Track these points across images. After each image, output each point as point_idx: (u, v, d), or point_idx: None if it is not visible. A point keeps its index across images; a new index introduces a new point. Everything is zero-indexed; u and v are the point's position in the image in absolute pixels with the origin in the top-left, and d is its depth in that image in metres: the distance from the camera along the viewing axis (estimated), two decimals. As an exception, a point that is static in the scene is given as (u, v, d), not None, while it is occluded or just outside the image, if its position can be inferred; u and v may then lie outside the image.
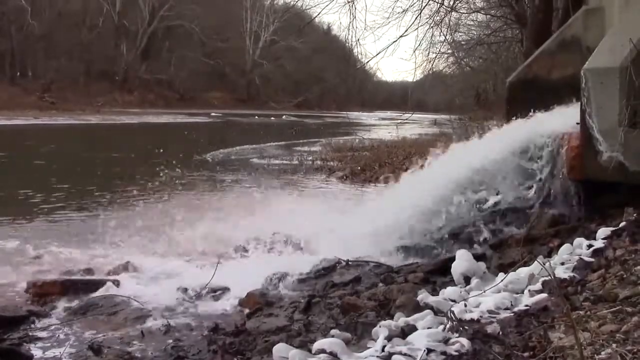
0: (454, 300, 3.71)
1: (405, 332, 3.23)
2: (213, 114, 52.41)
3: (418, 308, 3.72)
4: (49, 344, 4.23)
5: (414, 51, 15.03)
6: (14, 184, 12.25)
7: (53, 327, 4.55)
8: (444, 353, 2.85)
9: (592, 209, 5.49)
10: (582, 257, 4.13)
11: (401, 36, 12.07)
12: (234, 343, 3.88)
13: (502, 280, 3.79)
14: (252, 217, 7.69)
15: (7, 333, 4.35)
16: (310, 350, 3.13)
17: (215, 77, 67.21)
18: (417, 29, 13.59)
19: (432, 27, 14.33)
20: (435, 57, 19.22)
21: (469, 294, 3.87)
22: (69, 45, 52.37)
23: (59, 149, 20.28)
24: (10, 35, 48.11)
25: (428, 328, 3.22)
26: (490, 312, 3.38)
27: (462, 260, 4.68)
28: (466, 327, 3.11)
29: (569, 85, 6.33)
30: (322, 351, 3.04)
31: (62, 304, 5.12)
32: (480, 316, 3.30)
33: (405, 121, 25.71)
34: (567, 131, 5.78)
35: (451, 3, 14.74)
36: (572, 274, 3.84)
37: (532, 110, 6.77)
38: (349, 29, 12.06)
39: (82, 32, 53.90)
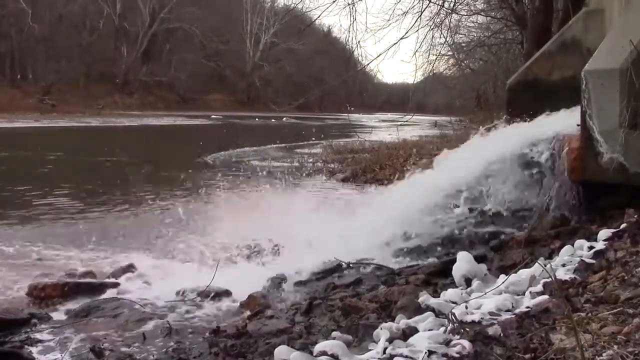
0: (455, 302, 3.70)
1: (406, 334, 3.23)
2: (213, 116, 52.46)
3: (419, 310, 3.72)
4: (50, 347, 4.23)
5: (415, 53, 15.10)
6: (14, 187, 12.26)
7: (55, 330, 4.55)
8: (445, 355, 2.85)
9: (593, 211, 5.48)
10: (583, 258, 4.12)
11: (402, 38, 12.06)
12: (235, 345, 3.88)
13: (503, 282, 3.79)
14: (253, 220, 7.67)
15: (9, 336, 4.35)
16: (311, 353, 3.14)
17: (216, 80, 67.27)
18: (417, 31, 13.64)
19: (432, 29, 14.40)
20: (436, 59, 19.32)
21: (470, 295, 3.87)
22: (69, 47, 52.47)
23: (60, 152, 20.27)
24: (10, 38, 48.24)
25: (429, 330, 3.22)
26: (491, 313, 3.38)
27: (463, 262, 4.67)
28: (467, 329, 3.11)
29: (569, 86, 6.33)
30: (324, 353, 3.05)
31: (63, 307, 5.12)
32: (482, 318, 3.30)
33: (406, 123, 25.73)
34: (567, 133, 5.79)
35: (451, 5, 14.79)
36: (573, 276, 3.83)
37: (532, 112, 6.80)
38: (349, 31, 12.06)
39: (82, 35, 54.01)
